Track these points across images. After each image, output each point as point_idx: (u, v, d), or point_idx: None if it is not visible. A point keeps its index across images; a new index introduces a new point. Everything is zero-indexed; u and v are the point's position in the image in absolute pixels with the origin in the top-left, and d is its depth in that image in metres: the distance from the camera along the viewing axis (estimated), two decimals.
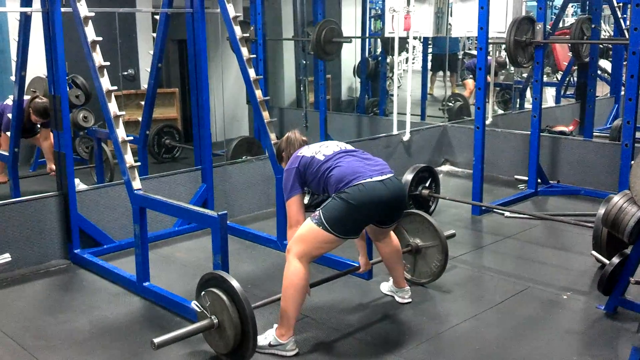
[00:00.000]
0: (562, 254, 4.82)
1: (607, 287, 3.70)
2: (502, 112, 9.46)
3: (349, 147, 3.54)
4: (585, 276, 4.33)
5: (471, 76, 10.05)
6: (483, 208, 5.71)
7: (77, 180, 4.93)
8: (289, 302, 3.24)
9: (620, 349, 3.38)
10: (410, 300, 3.91)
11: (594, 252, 4.17)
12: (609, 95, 9.61)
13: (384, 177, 3.32)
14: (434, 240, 4.01)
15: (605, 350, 3.37)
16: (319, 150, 3.45)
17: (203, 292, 3.16)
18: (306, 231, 3.28)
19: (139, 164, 4.10)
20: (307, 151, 3.47)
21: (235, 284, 3.05)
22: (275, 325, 3.32)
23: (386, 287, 4.03)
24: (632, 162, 3.40)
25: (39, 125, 6.11)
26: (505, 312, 3.84)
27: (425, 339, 3.49)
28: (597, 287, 3.75)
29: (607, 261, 3.84)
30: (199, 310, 3.17)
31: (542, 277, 4.33)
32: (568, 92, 10.66)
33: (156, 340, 2.95)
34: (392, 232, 3.76)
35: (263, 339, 3.29)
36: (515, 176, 6.70)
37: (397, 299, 3.93)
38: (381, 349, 3.37)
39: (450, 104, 9.20)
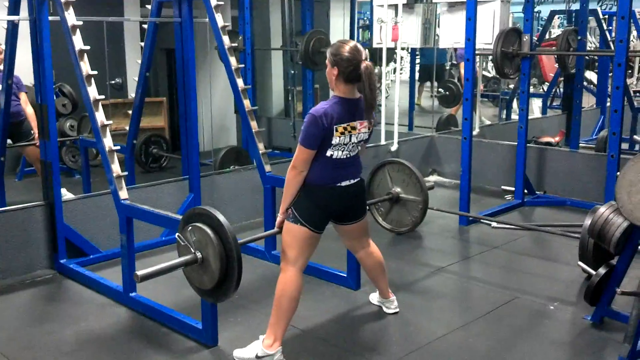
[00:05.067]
0: (549, 265, 4.84)
1: (594, 297, 3.72)
2: (489, 122, 9.50)
3: (355, 152, 3.45)
4: (572, 287, 4.35)
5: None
6: (470, 218, 5.73)
7: (63, 190, 4.89)
8: (282, 312, 3.26)
9: (607, 359, 3.39)
10: (397, 310, 3.91)
11: (580, 263, 4.19)
12: (594, 106, 9.68)
13: (349, 182, 3.39)
14: (416, 195, 4.00)
15: None
16: (344, 143, 3.31)
17: (187, 227, 3.14)
18: (287, 235, 3.34)
19: (125, 173, 4.07)
20: (340, 128, 3.28)
21: (221, 217, 3.06)
22: (261, 337, 3.31)
23: (375, 297, 4.03)
24: (618, 173, 3.42)
25: (35, 135, 6.03)
26: (494, 322, 3.84)
27: (414, 349, 3.49)
28: (584, 298, 3.78)
29: (593, 272, 3.86)
30: (182, 244, 3.16)
31: (530, 288, 4.35)
32: (554, 103, 10.73)
33: (139, 272, 2.99)
34: (372, 243, 3.77)
35: (248, 352, 3.29)
36: (502, 187, 6.74)
37: (384, 309, 3.93)
38: None
39: (442, 91, 9.29)
